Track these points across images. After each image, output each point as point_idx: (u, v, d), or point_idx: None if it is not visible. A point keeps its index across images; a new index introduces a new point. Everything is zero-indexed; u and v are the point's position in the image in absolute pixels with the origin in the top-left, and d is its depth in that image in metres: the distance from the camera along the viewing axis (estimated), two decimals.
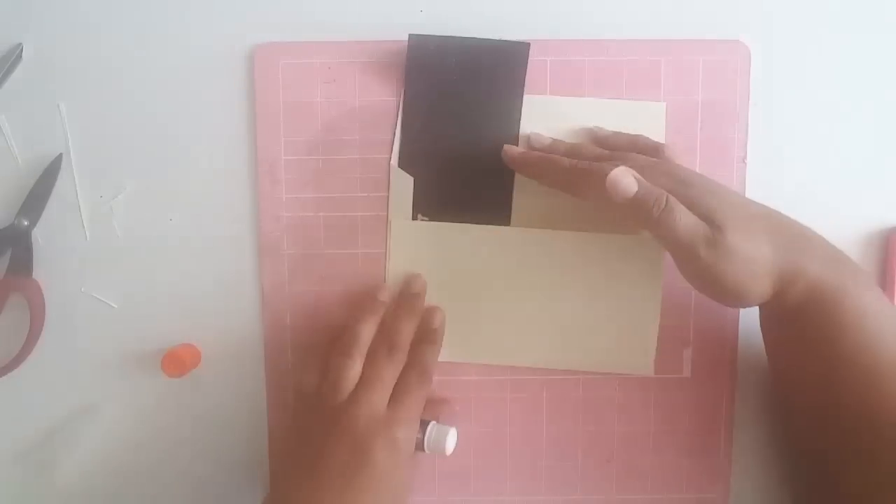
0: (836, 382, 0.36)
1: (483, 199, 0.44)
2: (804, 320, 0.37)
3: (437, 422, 0.42)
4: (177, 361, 0.43)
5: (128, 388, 0.46)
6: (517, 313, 0.45)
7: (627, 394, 0.45)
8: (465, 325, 0.45)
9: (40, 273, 0.45)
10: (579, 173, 0.39)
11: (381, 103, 0.44)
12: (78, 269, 0.45)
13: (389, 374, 0.41)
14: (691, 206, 0.36)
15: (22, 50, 0.44)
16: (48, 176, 0.44)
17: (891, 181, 0.45)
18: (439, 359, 0.44)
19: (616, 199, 0.36)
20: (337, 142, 0.45)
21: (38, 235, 0.45)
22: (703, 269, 0.36)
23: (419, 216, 0.44)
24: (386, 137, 0.45)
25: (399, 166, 0.44)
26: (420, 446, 0.41)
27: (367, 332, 0.42)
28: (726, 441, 0.45)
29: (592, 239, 0.44)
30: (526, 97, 0.44)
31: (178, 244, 0.45)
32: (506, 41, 0.44)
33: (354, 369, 0.41)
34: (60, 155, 0.45)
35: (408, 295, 0.44)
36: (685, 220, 0.35)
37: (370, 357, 0.42)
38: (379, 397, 0.40)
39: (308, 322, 0.45)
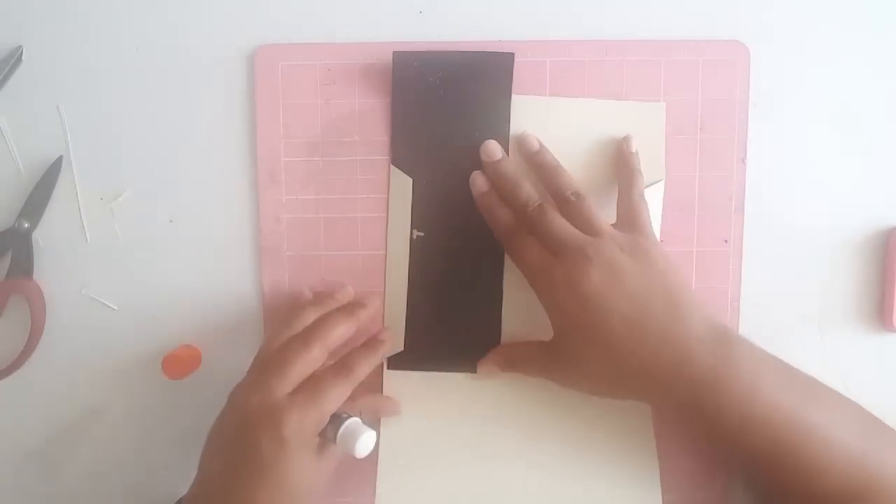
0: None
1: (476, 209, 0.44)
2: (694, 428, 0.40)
3: (362, 419, 0.39)
4: (177, 363, 0.43)
5: (128, 389, 0.46)
6: (512, 458, 0.45)
7: None
8: (460, 475, 0.45)
9: (41, 275, 0.45)
10: (506, 238, 0.42)
11: (380, 105, 0.44)
12: (78, 271, 0.45)
13: (297, 359, 0.38)
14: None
15: (22, 52, 0.44)
16: (48, 178, 0.45)
17: (891, 181, 0.45)
18: None
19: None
20: (337, 143, 0.45)
21: (39, 237, 0.45)
22: (562, 376, 0.41)
23: (415, 232, 0.44)
24: (385, 139, 0.45)
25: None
26: (333, 442, 0.38)
27: (304, 318, 0.41)
28: None
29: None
30: (524, 98, 0.44)
31: (178, 246, 0.45)
32: (490, 52, 0.44)
33: (277, 350, 0.39)
34: (61, 157, 0.45)
35: (355, 302, 0.43)
36: (524, 362, 0.42)
37: (287, 342, 0.39)
38: (278, 382, 0.37)
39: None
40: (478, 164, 0.44)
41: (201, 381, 0.45)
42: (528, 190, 0.41)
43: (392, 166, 0.44)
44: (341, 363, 0.40)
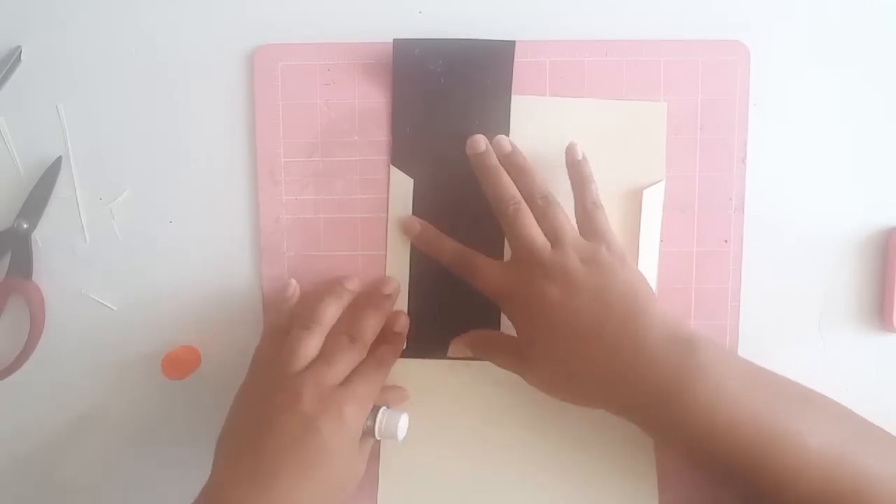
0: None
1: (478, 199, 0.43)
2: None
3: (389, 408, 0.42)
4: (177, 364, 0.43)
5: (128, 389, 0.46)
6: (509, 448, 0.45)
7: None
8: (461, 465, 0.45)
9: (40, 275, 0.45)
10: (454, 262, 0.43)
11: (380, 105, 0.44)
12: (78, 272, 0.45)
13: (347, 357, 0.40)
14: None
15: (21, 52, 0.44)
16: (48, 178, 0.44)
17: (891, 181, 0.45)
18: None
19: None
20: (336, 143, 0.44)
21: (38, 238, 0.45)
22: (528, 377, 0.41)
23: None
24: (385, 139, 0.45)
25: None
26: (371, 433, 0.40)
27: (331, 313, 0.42)
28: None
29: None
30: (523, 98, 0.44)
31: (177, 246, 0.45)
32: (491, 41, 0.43)
33: (313, 342, 0.40)
34: (60, 157, 0.45)
35: (378, 294, 0.44)
36: (497, 350, 0.42)
37: (332, 338, 0.41)
38: (332, 374, 0.39)
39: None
40: None
41: (201, 381, 0.45)
42: (508, 186, 0.41)
43: (392, 166, 0.44)
44: (376, 359, 0.42)
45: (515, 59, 0.44)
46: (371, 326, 0.42)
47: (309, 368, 0.39)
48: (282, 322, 0.42)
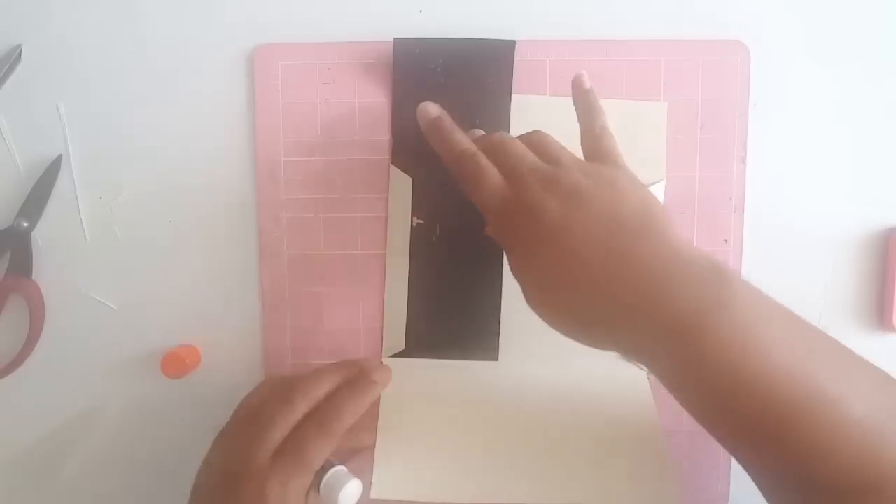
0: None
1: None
2: (668, 385, 0.32)
3: (347, 468, 0.37)
4: (177, 362, 0.43)
5: (128, 389, 0.46)
6: (513, 449, 0.43)
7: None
8: (460, 464, 0.43)
9: (40, 274, 0.45)
10: (460, 162, 0.37)
11: (380, 104, 0.44)
12: (77, 271, 0.45)
13: (316, 448, 0.36)
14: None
15: (21, 51, 0.44)
16: (48, 177, 0.44)
17: (891, 181, 0.45)
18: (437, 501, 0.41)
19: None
20: (337, 143, 0.44)
21: (38, 237, 0.45)
22: (529, 302, 0.35)
23: (415, 220, 0.44)
24: (385, 138, 0.45)
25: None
26: (316, 488, 0.37)
27: (321, 386, 0.39)
28: None
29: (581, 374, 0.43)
30: (523, 97, 0.44)
31: (177, 245, 0.45)
32: (491, 40, 0.43)
33: (286, 419, 0.37)
34: (60, 156, 0.45)
35: (365, 380, 0.39)
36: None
37: (304, 423, 0.37)
38: (303, 468, 0.35)
39: (308, 323, 0.45)
40: None
41: (201, 380, 0.45)
42: (467, 139, 0.38)
43: (392, 166, 0.44)
44: (325, 415, 0.37)
45: (515, 59, 0.44)
46: (346, 412, 0.37)
47: (281, 457, 0.36)
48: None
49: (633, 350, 0.32)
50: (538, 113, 0.44)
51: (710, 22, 0.44)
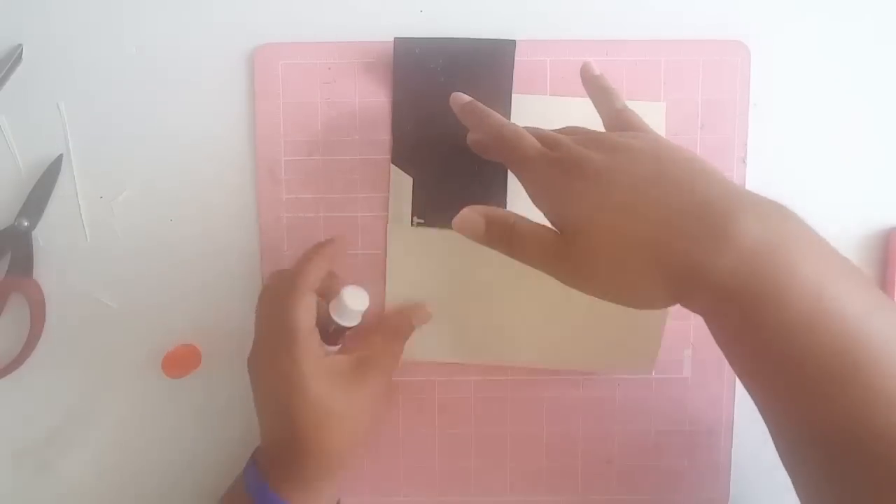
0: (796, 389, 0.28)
1: (479, 199, 0.44)
2: (730, 332, 0.30)
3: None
4: (177, 362, 0.43)
5: (128, 388, 0.46)
6: (517, 313, 0.45)
7: (627, 394, 0.45)
8: (465, 327, 0.45)
9: (41, 274, 0.45)
10: (498, 135, 0.36)
11: (380, 104, 0.44)
12: (78, 270, 0.45)
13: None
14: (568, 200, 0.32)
15: (22, 51, 0.44)
16: (48, 177, 0.44)
17: (891, 181, 0.45)
18: (444, 360, 0.45)
19: (465, 235, 0.35)
20: (337, 142, 0.45)
21: (39, 236, 0.45)
22: (569, 278, 0.33)
23: (415, 219, 0.44)
24: (385, 138, 0.45)
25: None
26: (340, 327, 0.40)
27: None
28: (726, 441, 0.45)
29: None
30: (523, 97, 0.44)
31: (178, 245, 0.45)
32: (491, 40, 0.44)
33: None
34: (61, 156, 0.45)
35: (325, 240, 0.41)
36: (530, 241, 0.34)
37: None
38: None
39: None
40: (478, 160, 0.43)
41: (201, 380, 0.45)
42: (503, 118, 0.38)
43: (392, 165, 0.44)
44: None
45: (516, 59, 0.44)
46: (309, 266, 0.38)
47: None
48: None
49: (691, 292, 0.30)
50: (538, 113, 0.44)
51: (710, 22, 0.44)
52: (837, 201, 0.45)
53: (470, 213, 0.35)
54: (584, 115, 0.44)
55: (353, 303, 0.40)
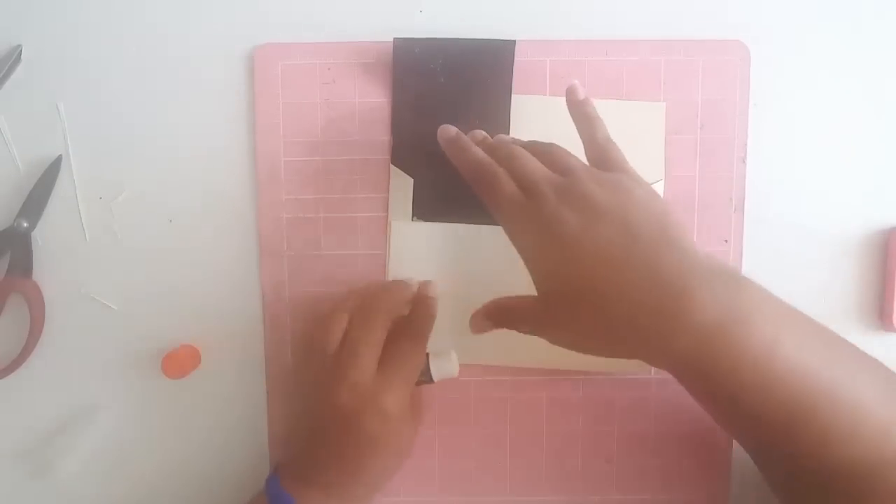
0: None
1: (478, 199, 0.44)
2: (693, 393, 0.34)
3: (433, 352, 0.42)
4: (177, 363, 0.43)
5: (128, 389, 0.46)
6: None
7: (627, 394, 0.45)
8: (466, 327, 0.45)
9: (40, 274, 0.45)
10: (477, 176, 0.38)
11: (380, 104, 0.44)
12: (78, 271, 0.45)
13: (367, 340, 0.39)
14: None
15: (21, 51, 0.44)
16: (48, 177, 0.44)
17: (891, 181, 0.45)
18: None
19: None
20: (337, 143, 0.45)
21: (38, 237, 0.45)
22: (553, 339, 0.37)
23: (415, 219, 0.44)
24: (385, 138, 0.45)
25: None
26: (428, 380, 0.42)
27: (348, 303, 0.41)
28: (726, 441, 0.45)
29: None
30: (523, 97, 0.44)
31: (177, 245, 0.45)
32: (491, 40, 0.43)
33: (334, 336, 0.40)
34: (60, 156, 0.45)
35: (393, 281, 0.43)
36: (519, 315, 0.38)
37: (349, 325, 0.40)
38: (360, 366, 0.38)
39: (308, 323, 0.45)
40: None
41: (201, 380, 0.45)
42: (501, 137, 0.40)
43: (392, 166, 0.44)
44: (411, 330, 0.41)
45: (515, 59, 0.44)
46: (383, 302, 0.40)
47: (338, 364, 0.39)
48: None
49: (656, 360, 0.33)
50: (538, 113, 0.44)
51: (710, 22, 0.44)
52: (837, 201, 0.45)
53: (480, 321, 0.39)
54: None
55: (456, 368, 0.42)
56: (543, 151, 0.37)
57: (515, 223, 0.36)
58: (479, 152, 0.38)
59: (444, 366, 0.42)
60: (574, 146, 0.44)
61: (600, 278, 0.33)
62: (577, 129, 0.39)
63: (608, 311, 0.33)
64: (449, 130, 0.41)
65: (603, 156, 0.37)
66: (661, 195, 0.44)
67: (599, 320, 0.33)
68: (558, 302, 0.35)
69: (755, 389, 0.31)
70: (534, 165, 0.36)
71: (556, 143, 0.38)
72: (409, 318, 0.41)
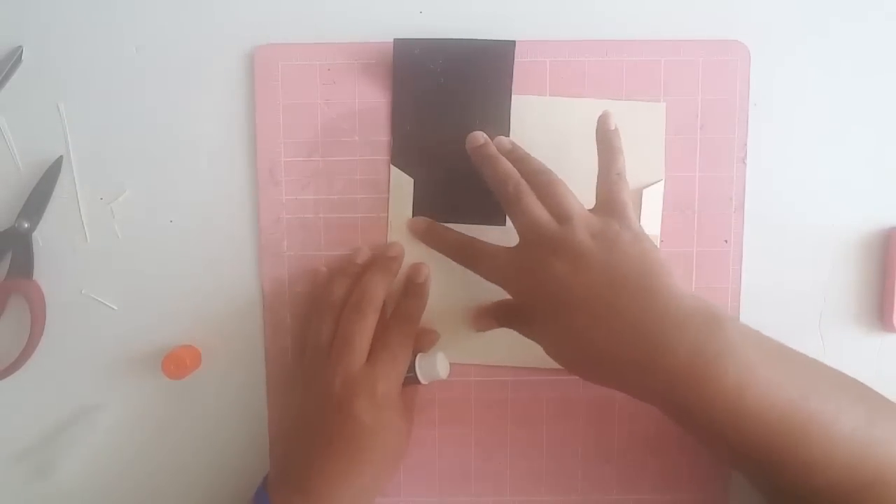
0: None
1: (479, 200, 0.44)
2: (674, 422, 0.37)
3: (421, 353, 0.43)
4: (177, 363, 0.43)
5: (128, 389, 0.46)
6: None
7: None
8: (466, 327, 0.45)
9: (41, 275, 0.45)
10: (462, 253, 0.42)
11: (380, 105, 0.44)
12: (78, 271, 0.45)
13: (360, 329, 0.41)
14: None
15: (22, 52, 0.44)
16: (48, 178, 0.45)
17: (891, 181, 0.45)
18: None
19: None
20: (337, 143, 0.45)
21: (39, 237, 0.45)
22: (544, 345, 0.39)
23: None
24: (385, 139, 0.45)
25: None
26: (415, 381, 0.42)
27: (337, 291, 0.42)
28: None
29: None
30: (523, 98, 0.44)
31: (178, 246, 0.45)
32: (491, 40, 0.43)
33: (326, 327, 0.42)
34: (61, 157, 0.45)
35: (382, 256, 0.43)
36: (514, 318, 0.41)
37: (342, 315, 0.42)
38: (353, 356, 0.40)
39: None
40: None
41: (201, 380, 0.45)
42: (507, 167, 0.40)
43: (392, 166, 0.44)
44: (401, 317, 0.43)
45: (515, 59, 0.44)
46: (375, 290, 0.42)
47: (329, 358, 0.41)
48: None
49: (644, 393, 0.36)
50: (538, 113, 0.44)
51: (710, 22, 0.44)
52: (837, 201, 0.45)
53: (484, 319, 0.43)
54: (583, 115, 0.44)
55: (443, 370, 0.42)
56: (546, 188, 0.39)
57: (510, 285, 0.39)
58: (459, 235, 0.42)
59: (431, 369, 0.42)
60: (574, 146, 0.44)
61: (587, 325, 0.35)
62: (598, 153, 0.41)
63: (589, 351, 0.36)
64: (478, 138, 0.42)
65: (609, 191, 0.39)
66: (661, 196, 0.44)
67: (586, 359, 0.36)
68: (550, 340, 0.38)
69: (730, 428, 0.33)
70: (532, 212, 0.38)
71: (558, 181, 0.39)
72: (398, 307, 0.43)
